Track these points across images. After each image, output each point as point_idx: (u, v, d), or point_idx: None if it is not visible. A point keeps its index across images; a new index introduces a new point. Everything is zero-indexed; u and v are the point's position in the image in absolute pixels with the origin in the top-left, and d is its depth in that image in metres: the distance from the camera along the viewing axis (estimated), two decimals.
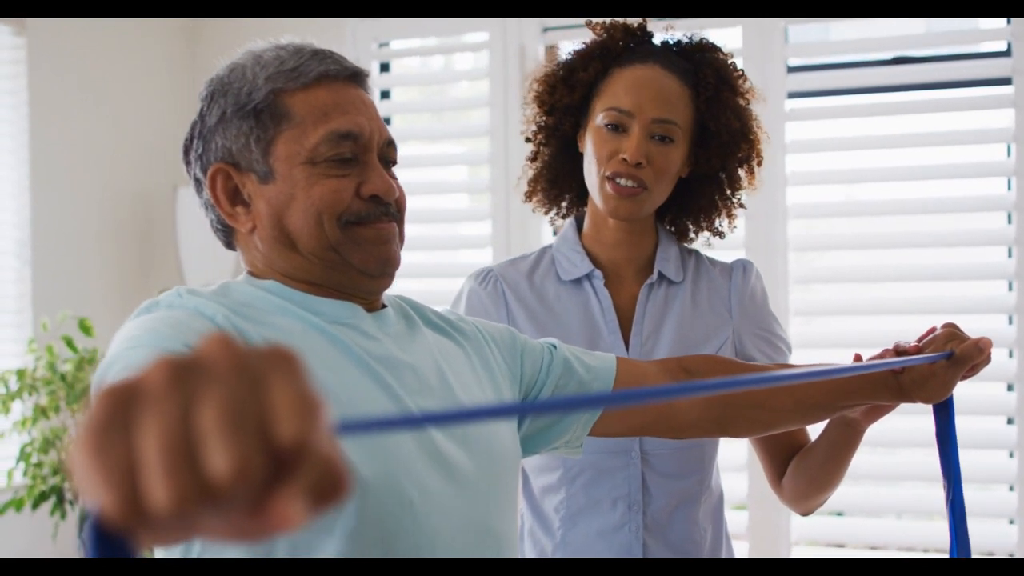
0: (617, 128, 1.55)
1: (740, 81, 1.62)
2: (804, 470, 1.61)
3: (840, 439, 1.54)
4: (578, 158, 1.64)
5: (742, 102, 1.61)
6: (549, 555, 1.63)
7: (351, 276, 1.16)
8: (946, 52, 3.13)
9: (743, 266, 1.69)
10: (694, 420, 1.37)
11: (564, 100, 1.61)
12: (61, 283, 3.43)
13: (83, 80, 3.54)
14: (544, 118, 1.65)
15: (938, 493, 3.19)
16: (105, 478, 0.45)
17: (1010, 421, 3.08)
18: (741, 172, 1.65)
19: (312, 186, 1.13)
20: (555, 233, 3.51)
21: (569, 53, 1.65)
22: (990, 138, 3.13)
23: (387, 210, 1.17)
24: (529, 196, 1.72)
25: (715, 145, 1.60)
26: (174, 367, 0.46)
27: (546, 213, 1.74)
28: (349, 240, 1.14)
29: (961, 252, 3.22)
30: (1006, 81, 3.03)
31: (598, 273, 1.64)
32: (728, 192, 1.66)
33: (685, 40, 1.63)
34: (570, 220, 1.71)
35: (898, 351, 1.37)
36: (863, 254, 3.34)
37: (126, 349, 0.99)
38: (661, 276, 1.65)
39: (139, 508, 0.44)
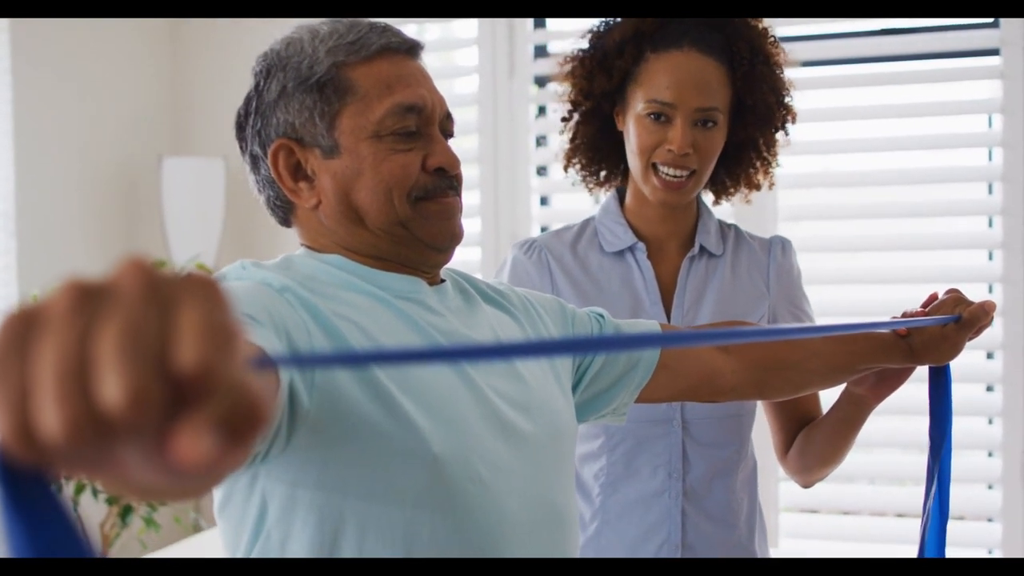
0: (659, 117, 1.56)
1: (772, 48, 1.63)
2: (810, 444, 1.65)
3: (848, 416, 1.58)
4: (616, 134, 1.65)
5: (776, 71, 1.63)
6: (587, 521, 1.65)
7: (419, 250, 1.17)
8: (934, 23, 3.16)
9: (781, 243, 1.73)
10: (736, 384, 1.41)
11: (602, 86, 1.62)
12: (47, 255, 3.38)
13: (66, 51, 3.48)
14: (583, 101, 1.65)
15: (909, 459, 3.25)
16: (0, 405, 0.42)
17: (990, 388, 3.15)
18: (778, 136, 1.68)
19: (381, 163, 1.13)
20: (543, 203, 3.54)
21: (600, 27, 1.64)
22: (977, 109, 3.18)
23: (451, 183, 1.17)
24: (565, 168, 1.74)
25: (751, 117, 1.62)
26: (80, 290, 0.43)
27: (583, 181, 1.75)
28: (418, 215, 1.14)
29: (944, 222, 3.27)
30: (993, 52, 3.07)
31: (641, 245, 1.66)
32: (765, 153, 1.68)
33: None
34: (612, 193, 1.72)
35: (907, 317, 1.43)
36: (847, 224, 3.37)
37: None
38: (702, 249, 1.68)
39: (32, 437, 0.42)
